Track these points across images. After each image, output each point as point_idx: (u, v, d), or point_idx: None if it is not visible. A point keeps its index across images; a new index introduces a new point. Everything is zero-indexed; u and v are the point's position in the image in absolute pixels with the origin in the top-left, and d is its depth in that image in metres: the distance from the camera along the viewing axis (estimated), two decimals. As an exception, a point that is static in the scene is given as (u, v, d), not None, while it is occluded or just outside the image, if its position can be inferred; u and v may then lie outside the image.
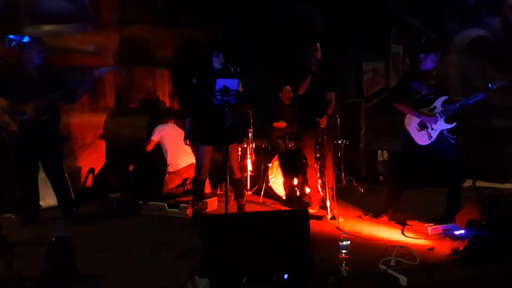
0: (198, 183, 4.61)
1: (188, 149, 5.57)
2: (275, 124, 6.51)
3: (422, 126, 4.36)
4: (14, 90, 4.23)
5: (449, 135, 4.36)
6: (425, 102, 4.36)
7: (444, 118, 4.29)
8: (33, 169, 4.52)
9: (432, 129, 4.32)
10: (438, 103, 4.32)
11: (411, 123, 4.44)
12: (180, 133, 5.52)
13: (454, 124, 4.32)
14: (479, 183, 6.21)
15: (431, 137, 4.32)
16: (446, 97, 4.33)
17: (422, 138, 4.39)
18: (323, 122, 4.74)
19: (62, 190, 4.57)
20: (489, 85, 4.10)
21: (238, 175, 4.62)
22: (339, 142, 6.42)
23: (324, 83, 4.87)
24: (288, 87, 6.78)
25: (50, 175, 4.55)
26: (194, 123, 4.55)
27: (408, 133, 4.45)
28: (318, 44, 4.78)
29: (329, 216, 4.55)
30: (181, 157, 5.69)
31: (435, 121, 4.27)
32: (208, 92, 3.94)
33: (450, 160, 4.37)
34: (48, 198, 4.96)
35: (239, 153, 5.93)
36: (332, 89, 4.95)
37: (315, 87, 4.78)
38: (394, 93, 4.73)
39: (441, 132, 4.32)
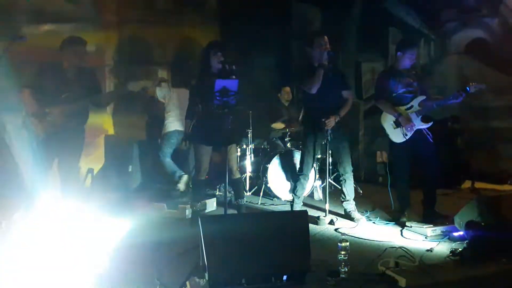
0: (197, 183, 4.60)
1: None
2: (274, 125, 6.50)
3: (398, 124, 4.36)
4: (50, 90, 4.10)
5: (428, 133, 4.37)
6: (402, 100, 4.37)
7: (420, 117, 4.31)
8: (47, 169, 4.40)
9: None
10: (415, 103, 4.34)
11: (387, 120, 4.45)
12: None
13: (430, 124, 4.33)
14: (478, 185, 6.21)
15: (406, 135, 4.33)
16: (424, 97, 4.34)
17: (396, 136, 4.39)
18: (329, 123, 4.39)
19: (72, 191, 4.54)
20: (467, 88, 4.10)
21: (236, 175, 4.62)
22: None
23: (338, 80, 4.51)
24: (287, 88, 6.75)
25: (64, 176, 4.44)
26: (194, 124, 4.55)
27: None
28: (326, 37, 4.43)
29: (328, 219, 4.53)
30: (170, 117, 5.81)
31: (411, 127, 4.26)
32: (207, 93, 3.92)
33: (426, 159, 4.37)
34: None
35: (238, 153, 5.92)
36: (349, 88, 4.66)
37: (327, 84, 4.38)
38: (375, 91, 4.67)
39: (419, 130, 4.33)
